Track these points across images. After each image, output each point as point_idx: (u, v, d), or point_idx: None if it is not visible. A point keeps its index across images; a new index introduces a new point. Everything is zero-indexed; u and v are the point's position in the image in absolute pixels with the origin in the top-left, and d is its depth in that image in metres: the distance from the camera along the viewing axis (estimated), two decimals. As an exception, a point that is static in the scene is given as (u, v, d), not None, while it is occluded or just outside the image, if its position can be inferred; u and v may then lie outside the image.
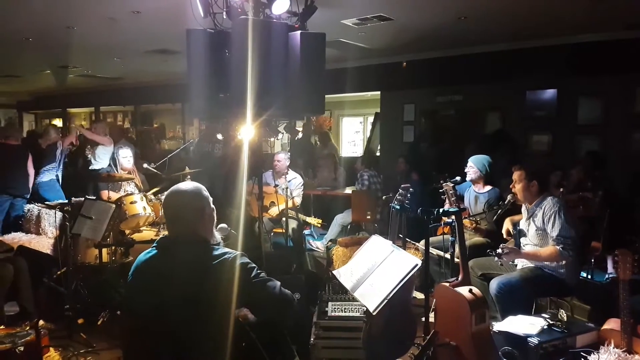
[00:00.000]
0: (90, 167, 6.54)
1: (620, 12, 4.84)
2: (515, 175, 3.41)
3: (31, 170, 5.69)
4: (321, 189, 6.91)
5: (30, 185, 5.68)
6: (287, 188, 5.13)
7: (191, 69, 3.13)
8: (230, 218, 4.37)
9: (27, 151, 5.74)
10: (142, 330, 1.82)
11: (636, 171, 5.33)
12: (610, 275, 4.22)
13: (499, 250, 3.10)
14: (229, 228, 2.92)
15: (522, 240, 3.44)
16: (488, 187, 4.24)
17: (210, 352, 1.76)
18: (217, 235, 2.07)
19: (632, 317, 2.52)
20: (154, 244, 1.91)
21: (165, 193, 2.02)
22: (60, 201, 4.95)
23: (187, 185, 2.00)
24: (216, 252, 1.83)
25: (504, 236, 3.67)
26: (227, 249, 1.88)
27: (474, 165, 4.22)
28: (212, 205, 2.00)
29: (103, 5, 4.70)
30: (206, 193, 1.98)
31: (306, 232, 6.33)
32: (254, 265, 1.87)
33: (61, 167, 6.18)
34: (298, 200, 5.62)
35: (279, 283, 1.91)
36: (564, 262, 3.17)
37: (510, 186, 3.47)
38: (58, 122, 14.42)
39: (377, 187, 6.12)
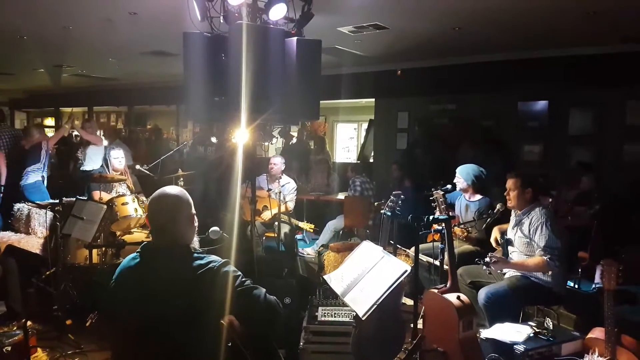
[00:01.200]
0: (81, 168, 6.49)
1: (614, 25, 4.92)
2: (510, 183, 3.44)
3: (3, 170, 5.52)
4: (314, 194, 6.94)
5: (2, 182, 5.46)
6: (279, 192, 5.14)
7: (188, 72, 3.15)
8: (224, 221, 4.38)
9: None
10: (126, 335, 1.79)
11: (627, 182, 5.40)
12: (597, 285, 4.26)
13: (487, 259, 3.14)
14: (221, 231, 2.94)
15: (510, 248, 3.48)
16: (479, 196, 4.28)
17: (195, 358, 1.74)
18: (196, 241, 2.02)
19: (616, 326, 2.56)
20: (138, 250, 1.85)
21: (149, 198, 1.96)
22: (51, 201, 4.93)
23: (171, 190, 1.92)
24: (201, 262, 1.78)
25: (493, 245, 3.71)
26: (212, 257, 1.83)
27: (459, 176, 4.27)
28: (194, 210, 1.95)
29: (100, 5, 4.70)
30: (189, 198, 1.92)
31: (298, 237, 6.34)
32: (239, 273, 1.82)
33: (46, 167, 6.09)
34: (291, 205, 5.64)
35: (264, 290, 1.86)
36: (550, 272, 3.21)
37: (505, 193, 3.51)
38: (50, 121, 14.36)
39: (369, 193, 6.15)
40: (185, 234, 1.88)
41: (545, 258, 3.15)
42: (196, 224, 1.96)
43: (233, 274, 1.79)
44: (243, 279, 1.81)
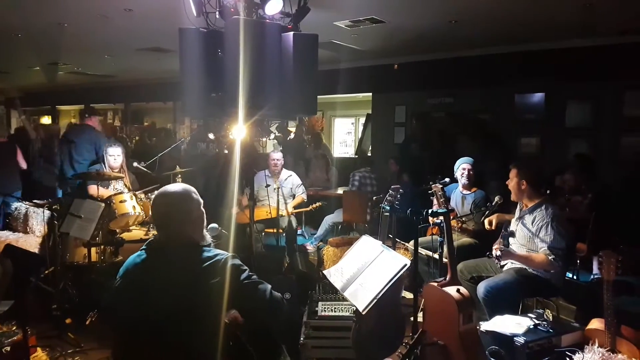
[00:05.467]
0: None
1: (611, 18, 4.92)
2: (511, 173, 3.49)
3: (23, 164, 5.65)
4: (313, 189, 6.93)
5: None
6: (278, 188, 5.13)
7: (184, 68, 3.13)
8: (223, 218, 4.38)
9: (15, 146, 5.67)
10: (130, 333, 1.80)
11: (624, 174, 5.41)
12: (596, 276, 4.28)
13: (498, 253, 3.15)
14: (219, 227, 2.93)
15: (510, 239, 3.49)
16: (474, 189, 4.29)
17: (199, 354, 1.75)
18: (208, 237, 2.03)
19: (616, 317, 2.57)
20: (144, 247, 1.88)
21: (153, 195, 1.99)
22: (50, 200, 4.92)
23: (176, 187, 1.96)
24: (207, 254, 1.81)
25: (485, 225, 3.71)
26: (218, 251, 1.85)
27: (470, 166, 4.26)
28: (202, 208, 1.97)
29: (95, 2, 4.67)
30: (196, 195, 1.95)
31: (297, 232, 6.33)
32: (245, 267, 1.85)
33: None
34: (304, 197, 5.71)
35: (269, 286, 1.89)
36: (552, 270, 3.23)
37: (507, 182, 3.54)
38: (47, 120, 14.30)
39: (368, 188, 6.12)
40: (190, 229, 1.89)
41: (549, 258, 3.16)
42: (204, 220, 1.97)
43: (240, 267, 1.83)
44: (250, 274, 1.85)
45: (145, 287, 1.78)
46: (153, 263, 1.82)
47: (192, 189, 1.96)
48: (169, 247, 1.85)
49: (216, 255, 1.81)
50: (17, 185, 5.54)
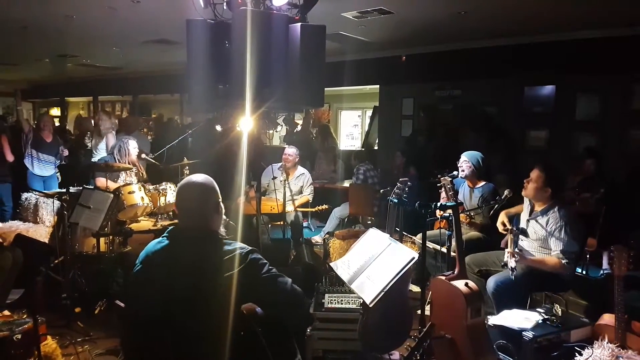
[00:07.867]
0: (93, 159, 6.52)
1: (620, 9, 4.84)
2: (534, 175, 3.37)
3: (9, 157, 5.72)
4: (319, 182, 6.92)
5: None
6: (284, 180, 5.12)
7: (191, 60, 3.11)
8: (228, 209, 4.39)
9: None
10: (144, 318, 1.82)
11: (633, 168, 5.34)
12: (605, 271, 4.24)
13: (512, 265, 3.10)
14: (227, 219, 2.94)
15: (521, 237, 3.45)
16: (482, 182, 4.25)
17: (212, 344, 1.76)
18: (221, 228, 2.05)
19: (626, 312, 2.55)
20: (165, 234, 1.90)
21: (178, 185, 2.03)
22: (58, 190, 4.96)
23: (200, 177, 1.99)
24: (228, 247, 1.82)
25: (500, 229, 3.68)
26: (239, 244, 1.87)
27: (468, 160, 4.22)
28: (220, 199, 2.00)
29: (102, -7, 4.68)
30: (216, 186, 1.99)
31: (303, 224, 6.33)
32: (265, 261, 1.86)
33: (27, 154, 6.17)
34: (310, 198, 5.60)
35: (290, 280, 1.90)
36: (564, 273, 3.20)
37: (525, 180, 3.45)
38: (56, 111, 14.40)
39: (373, 180, 6.11)
40: (211, 219, 1.93)
41: (562, 262, 3.14)
42: (222, 211, 2.00)
43: (260, 261, 1.84)
44: (270, 267, 1.86)
45: (164, 273, 1.80)
46: (173, 250, 1.84)
47: (212, 180, 1.99)
48: (190, 236, 1.87)
49: (236, 248, 1.82)
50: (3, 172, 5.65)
